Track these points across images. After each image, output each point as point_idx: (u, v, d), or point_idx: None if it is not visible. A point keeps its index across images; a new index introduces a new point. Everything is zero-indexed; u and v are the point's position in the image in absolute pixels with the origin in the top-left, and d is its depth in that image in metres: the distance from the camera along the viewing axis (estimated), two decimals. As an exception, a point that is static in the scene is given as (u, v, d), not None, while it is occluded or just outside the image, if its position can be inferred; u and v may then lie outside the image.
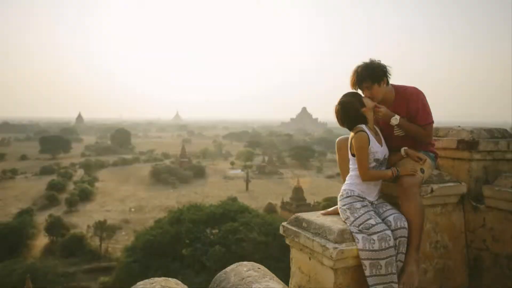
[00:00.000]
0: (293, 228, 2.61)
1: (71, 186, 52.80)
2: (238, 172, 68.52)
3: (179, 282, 2.56)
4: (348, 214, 2.41)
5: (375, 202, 2.51)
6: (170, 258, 20.12)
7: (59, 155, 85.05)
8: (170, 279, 2.52)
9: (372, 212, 2.39)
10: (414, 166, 2.55)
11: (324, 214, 2.69)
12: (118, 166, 74.32)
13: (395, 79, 2.72)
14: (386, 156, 2.59)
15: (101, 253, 31.46)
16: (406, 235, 2.39)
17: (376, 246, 2.26)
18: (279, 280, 2.58)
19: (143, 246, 20.74)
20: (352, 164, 2.55)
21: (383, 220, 2.40)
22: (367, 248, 2.26)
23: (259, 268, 2.70)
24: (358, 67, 2.63)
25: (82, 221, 39.10)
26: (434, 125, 2.82)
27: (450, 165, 3.02)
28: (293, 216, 2.74)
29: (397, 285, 2.31)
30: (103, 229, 32.91)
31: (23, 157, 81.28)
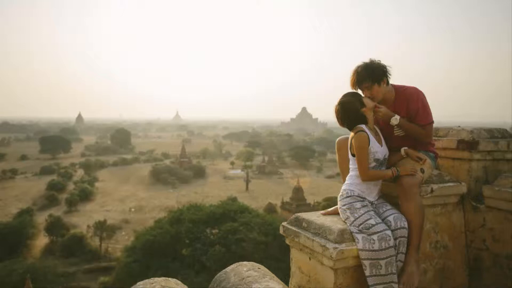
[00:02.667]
0: (293, 228, 2.61)
1: (71, 186, 52.84)
2: (238, 172, 68.48)
3: (179, 282, 2.56)
4: (348, 214, 2.41)
5: (375, 202, 2.51)
6: (170, 258, 20.09)
7: (59, 155, 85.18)
8: (170, 279, 2.52)
9: (372, 212, 2.39)
10: (414, 166, 2.55)
11: (324, 214, 2.69)
12: (118, 166, 74.31)
13: (395, 79, 2.74)
14: (386, 156, 2.59)
15: (101, 253, 31.45)
16: (406, 235, 2.39)
17: (376, 246, 2.26)
18: (279, 280, 2.58)
19: (143, 246, 20.71)
20: (352, 164, 2.55)
21: (383, 220, 2.40)
22: (367, 248, 2.26)
23: (259, 268, 2.70)
24: (358, 67, 2.63)
25: (82, 221, 39.10)
26: (434, 125, 2.82)
27: (450, 165, 3.02)
28: (293, 216, 2.74)
29: (397, 285, 2.31)
30: (103, 229, 32.91)
31: (23, 157, 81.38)
